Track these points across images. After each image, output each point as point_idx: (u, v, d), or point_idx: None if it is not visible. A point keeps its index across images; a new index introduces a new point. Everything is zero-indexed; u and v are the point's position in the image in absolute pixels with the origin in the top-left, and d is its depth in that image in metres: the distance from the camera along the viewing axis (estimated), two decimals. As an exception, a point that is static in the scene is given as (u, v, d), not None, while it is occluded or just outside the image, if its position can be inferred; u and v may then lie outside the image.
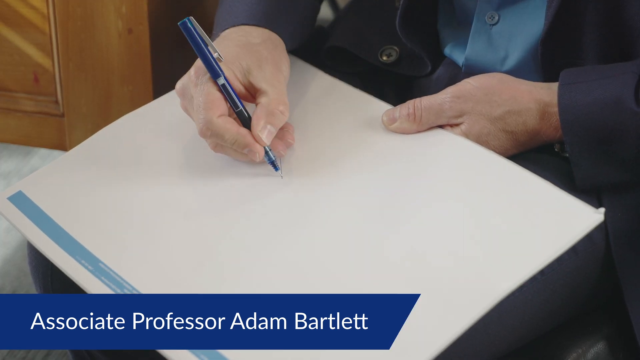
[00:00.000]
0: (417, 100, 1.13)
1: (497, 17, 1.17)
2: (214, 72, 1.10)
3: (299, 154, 1.14)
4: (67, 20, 1.50)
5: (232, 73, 1.12)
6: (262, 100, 1.10)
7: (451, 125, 1.13)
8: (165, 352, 0.96)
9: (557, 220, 1.02)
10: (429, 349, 0.93)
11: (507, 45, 1.17)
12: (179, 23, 1.11)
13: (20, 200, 1.10)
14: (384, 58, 1.26)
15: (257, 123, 1.09)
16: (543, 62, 1.14)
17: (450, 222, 1.03)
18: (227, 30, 1.18)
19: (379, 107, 1.17)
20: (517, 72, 1.16)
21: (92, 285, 1.01)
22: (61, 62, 1.54)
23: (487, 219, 1.03)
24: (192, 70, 1.12)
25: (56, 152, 2.16)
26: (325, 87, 1.22)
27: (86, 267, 1.03)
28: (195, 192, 1.11)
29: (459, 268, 0.99)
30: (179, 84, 1.13)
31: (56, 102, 1.58)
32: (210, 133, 1.09)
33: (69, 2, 1.49)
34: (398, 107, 1.14)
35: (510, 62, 1.17)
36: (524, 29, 1.16)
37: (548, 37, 1.12)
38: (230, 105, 1.10)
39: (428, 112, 1.12)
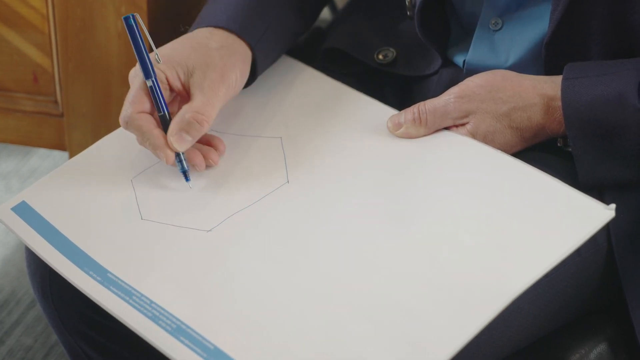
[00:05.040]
0: (421, 104, 1.12)
1: (500, 24, 1.17)
2: (146, 73, 1.11)
3: (305, 157, 1.13)
4: (66, 21, 1.50)
5: (175, 73, 1.12)
6: (186, 106, 1.11)
7: (457, 126, 1.13)
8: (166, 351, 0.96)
9: (567, 218, 1.02)
10: (446, 348, 0.92)
11: (509, 50, 1.17)
12: (122, 17, 1.12)
13: (24, 211, 1.10)
14: (380, 57, 1.26)
15: (172, 128, 1.10)
16: (546, 65, 1.14)
17: (461, 222, 1.03)
18: (196, 30, 1.18)
19: (383, 110, 1.17)
20: (518, 72, 1.15)
21: (101, 295, 1.01)
22: (60, 63, 1.54)
23: (497, 218, 1.03)
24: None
25: (55, 152, 2.16)
26: (327, 90, 1.22)
27: (94, 278, 1.02)
28: (200, 197, 1.11)
29: (472, 268, 0.99)
30: (131, 72, 1.14)
31: (55, 102, 1.58)
32: (128, 127, 1.11)
33: (69, 2, 1.48)
34: (402, 112, 1.14)
35: (512, 65, 1.17)
36: (527, 34, 1.16)
37: (553, 40, 1.12)
38: (155, 107, 1.12)
39: (433, 115, 1.12)
